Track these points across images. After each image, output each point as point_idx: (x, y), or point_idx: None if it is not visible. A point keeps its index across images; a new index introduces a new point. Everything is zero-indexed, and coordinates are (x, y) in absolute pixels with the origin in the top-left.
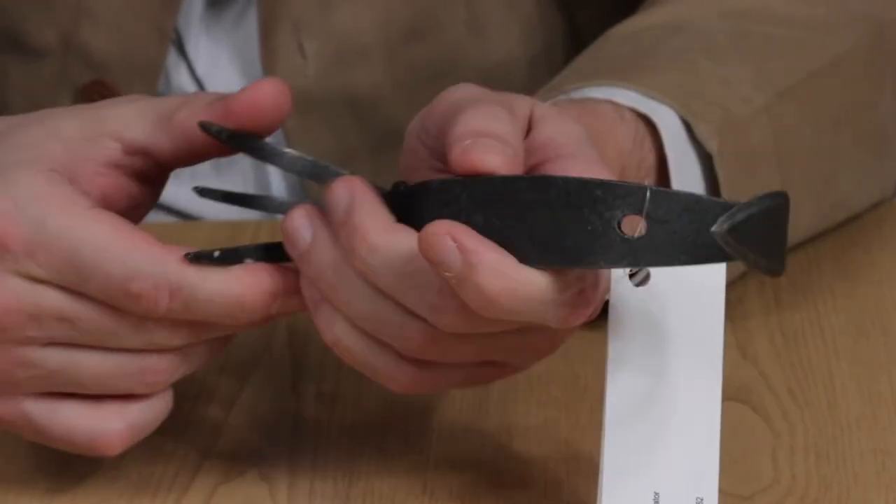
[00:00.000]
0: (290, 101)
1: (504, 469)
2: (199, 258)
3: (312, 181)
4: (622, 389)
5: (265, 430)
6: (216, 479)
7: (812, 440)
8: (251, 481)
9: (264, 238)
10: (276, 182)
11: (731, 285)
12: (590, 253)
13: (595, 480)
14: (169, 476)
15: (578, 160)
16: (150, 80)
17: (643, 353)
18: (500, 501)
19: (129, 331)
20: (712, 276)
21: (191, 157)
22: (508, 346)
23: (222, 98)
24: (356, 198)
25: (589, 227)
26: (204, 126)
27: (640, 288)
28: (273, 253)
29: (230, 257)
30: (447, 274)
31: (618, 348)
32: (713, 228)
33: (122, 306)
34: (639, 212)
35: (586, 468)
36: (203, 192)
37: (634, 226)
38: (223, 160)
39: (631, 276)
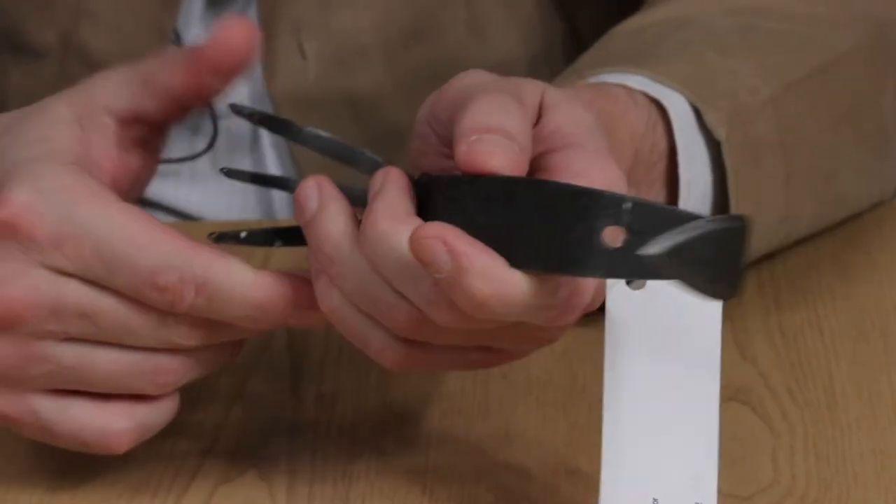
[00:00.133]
0: (259, 37)
1: (503, 470)
2: (224, 238)
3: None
4: (620, 394)
5: (265, 431)
6: (216, 480)
7: (812, 441)
8: (250, 482)
9: None
10: None
11: None
12: (571, 261)
13: (594, 481)
14: (168, 476)
15: (585, 150)
16: None
17: (640, 358)
18: (499, 502)
19: (148, 327)
20: None
21: (179, 113)
22: (502, 336)
23: (197, 47)
24: (385, 184)
25: (572, 235)
26: (235, 108)
27: (637, 291)
28: (297, 235)
29: (256, 239)
30: (438, 275)
31: (615, 352)
32: (649, 251)
33: (146, 300)
34: (619, 223)
35: (585, 468)
36: (230, 173)
37: (615, 237)
38: (223, 160)
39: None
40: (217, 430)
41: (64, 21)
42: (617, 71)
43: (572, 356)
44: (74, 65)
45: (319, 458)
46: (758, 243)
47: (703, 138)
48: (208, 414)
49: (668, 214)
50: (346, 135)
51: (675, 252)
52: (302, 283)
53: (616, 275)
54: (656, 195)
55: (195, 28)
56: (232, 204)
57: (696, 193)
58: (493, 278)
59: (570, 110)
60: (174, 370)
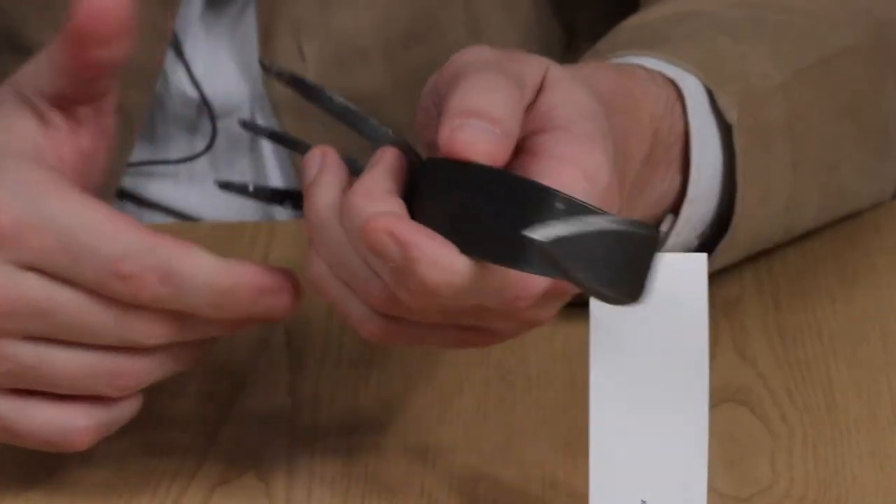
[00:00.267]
0: (130, 7)
1: (502, 471)
2: (230, 187)
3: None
4: (607, 399)
5: (263, 432)
6: (214, 481)
7: (810, 442)
8: (249, 482)
9: (263, 238)
10: (274, 177)
11: (729, 286)
12: (512, 255)
13: None
14: (167, 477)
15: (570, 134)
16: (148, 82)
17: (627, 362)
18: (498, 503)
19: (109, 324)
20: (694, 281)
21: (87, 89)
22: (478, 315)
23: (70, 21)
24: (375, 162)
25: (514, 229)
26: (263, 64)
27: None
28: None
29: (264, 194)
30: (390, 264)
31: (601, 357)
32: (534, 235)
33: (109, 290)
34: (553, 220)
35: (584, 469)
36: (263, 133)
37: (549, 234)
38: (222, 161)
39: None
40: (215, 430)
41: (64, 21)
42: (631, 54)
43: (572, 356)
44: None
45: (318, 458)
46: (762, 233)
47: (714, 121)
48: (206, 415)
49: (593, 212)
50: (345, 135)
51: (567, 243)
52: (267, 271)
53: (548, 274)
54: (672, 178)
55: (194, 29)
56: (231, 204)
57: (705, 177)
58: (442, 266)
59: (569, 91)
60: (134, 372)
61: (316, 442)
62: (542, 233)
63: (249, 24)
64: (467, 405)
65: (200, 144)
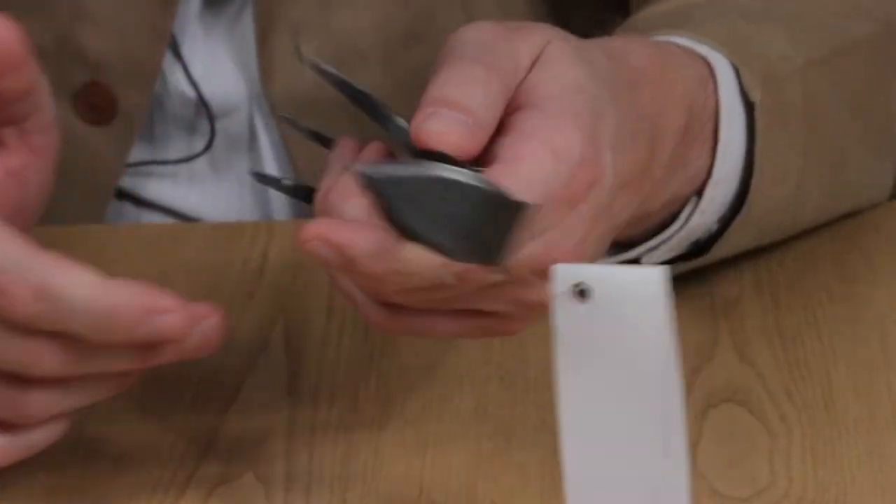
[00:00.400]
0: (20, 30)
1: (501, 472)
2: (265, 179)
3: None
4: (576, 411)
5: (262, 433)
6: (213, 482)
7: (809, 442)
8: (248, 484)
9: (262, 238)
10: None
11: (729, 286)
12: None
13: None
14: (166, 479)
15: (542, 112)
16: (146, 82)
17: (594, 372)
18: (497, 503)
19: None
20: (653, 295)
21: (4, 110)
22: (466, 298)
23: None
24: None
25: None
26: (297, 52)
27: (584, 304)
28: None
29: (298, 193)
30: (335, 269)
31: (567, 369)
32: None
33: None
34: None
35: None
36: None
37: (381, 172)
38: (221, 161)
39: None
40: (214, 431)
41: (60, 22)
42: (659, 34)
43: None
44: (70, 67)
45: (316, 459)
46: (774, 217)
47: (741, 100)
48: (205, 416)
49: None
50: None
51: (401, 183)
52: (156, 291)
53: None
54: (706, 156)
55: (192, 29)
56: (230, 205)
57: (730, 157)
58: (383, 256)
59: (559, 66)
60: (33, 402)
61: (314, 443)
62: (374, 170)
63: (247, 25)
64: (467, 405)
65: (199, 144)
